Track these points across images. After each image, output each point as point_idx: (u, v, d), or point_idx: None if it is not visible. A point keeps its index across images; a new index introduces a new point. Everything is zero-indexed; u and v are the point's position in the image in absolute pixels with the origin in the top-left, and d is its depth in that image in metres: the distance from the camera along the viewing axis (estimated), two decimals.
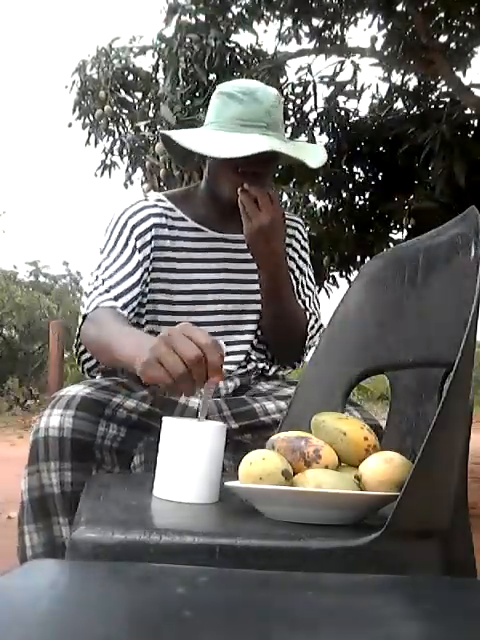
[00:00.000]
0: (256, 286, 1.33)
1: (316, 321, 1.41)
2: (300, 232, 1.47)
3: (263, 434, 1.16)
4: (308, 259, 1.49)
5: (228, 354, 1.31)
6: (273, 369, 1.40)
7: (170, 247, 1.31)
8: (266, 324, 1.36)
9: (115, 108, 4.08)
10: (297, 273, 1.45)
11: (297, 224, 1.46)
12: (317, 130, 3.98)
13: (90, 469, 1.09)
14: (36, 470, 1.07)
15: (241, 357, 1.34)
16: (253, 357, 1.37)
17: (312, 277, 1.50)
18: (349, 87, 3.87)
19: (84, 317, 1.23)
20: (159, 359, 0.84)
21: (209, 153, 1.23)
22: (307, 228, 4.59)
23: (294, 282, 1.41)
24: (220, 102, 1.28)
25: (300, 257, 1.46)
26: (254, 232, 1.22)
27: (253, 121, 1.23)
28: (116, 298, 1.23)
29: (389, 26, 3.87)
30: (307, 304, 1.43)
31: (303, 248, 1.47)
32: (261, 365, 1.37)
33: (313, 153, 1.31)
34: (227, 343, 1.31)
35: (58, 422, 1.06)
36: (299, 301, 1.41)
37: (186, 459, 0.82)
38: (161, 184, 3.71)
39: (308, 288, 1.47)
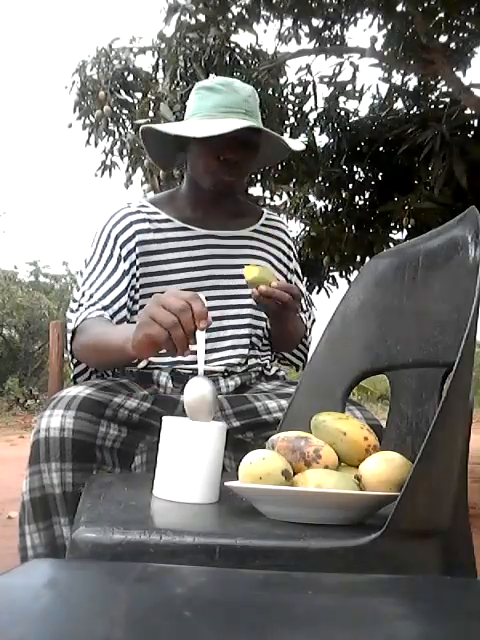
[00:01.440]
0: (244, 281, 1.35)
1: (311, 319, 1.46)
2: (285, 234, 1.47)
3: (264, 432, 1.16)
4: (295, 258, 1.49)
5: (226, 349, 1.32)
6: (274, 369, 1.40)
7: (159, 250, 1.32)
8: (271, 339, 1.42)
9: (115, 108, 4.08)
10: (292, 278, 1.47)
11: (280, 228, 1.46)
12: (317, 130, 3.98)
13: (91, 469, 1.09)
14: (37, 470, 1.07)
15: (240, 351, 1.34)
16: (253, 354, 1.37)
17: (300, 274, 1.51)
18: (349, 87, 3.87)
19: (73, 332, 1.24)
20: (151, 316, 0.91)
21: (191, 134, 1.24)
22: (307, 228, 4.57)
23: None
24: (199, 96, 1.31)
25: (291, 261, 1.47)
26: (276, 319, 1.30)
27: (232, 108, 1.26)
28: (104, 308, 1.25)
29: (389, 26, 3.87)
30: (303, 307, 1.45)
31: (291, 248, 1.48)
32: (262, 363, 1.37)
33: (292, 140, 1.33)
34: (224, 338, 1.32)
35: (59, 423, 1.06)
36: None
37: (186, 459, 0.82)
38: (161, 184, 3.70)
39: (306, 297, 1.49)
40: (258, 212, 1.45)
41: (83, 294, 1.28)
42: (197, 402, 0.88)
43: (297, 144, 1.33)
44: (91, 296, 1.26)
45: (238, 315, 1.35)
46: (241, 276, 1.33)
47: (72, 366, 1.34)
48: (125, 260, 1.29)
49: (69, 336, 1.26)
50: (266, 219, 1.44)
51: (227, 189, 1.30)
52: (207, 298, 1.30)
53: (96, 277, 1.29)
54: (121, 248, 1.30)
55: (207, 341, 1.29)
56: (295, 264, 1.48)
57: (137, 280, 1.31)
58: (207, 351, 1.30)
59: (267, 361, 1.40)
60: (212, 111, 1.26)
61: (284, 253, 1.45)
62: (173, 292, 0.93)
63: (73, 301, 1.30)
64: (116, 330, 1.19)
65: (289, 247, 1.46)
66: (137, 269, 1.31)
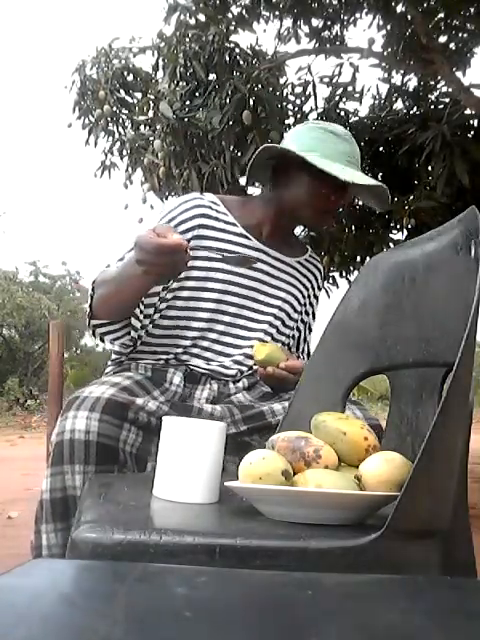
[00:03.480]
0: (280, 303, 1.43)
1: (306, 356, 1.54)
2: (320, 273, 1.56)
3: (269, 435, 1.17)
4: (318, 297, 1.58)
5: (241, 356, 1.35)
6: None
7: (213, 246, 1.35)
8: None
9: (114, 108, 4.08)
10: (306, 330, 1.54)
11: (318, 268, 1.55)
12: None
13: (113, 472, 1.09)
14: (60, 471, 1.07)
15: (249, 362, 1.37)
16: None
17: (312, 327, 1.59)
18: (349, 88, 3.87)
19: (93, 290, 1.25)
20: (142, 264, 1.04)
21: (343, 177, 1.28)
22: (307, 228, 4.58)
23: (302, 334, 1.53)
24: (323, 136, 1.35)
25: (313, 310, 1.55)
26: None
27: (354, 159, 1.36)
28: None
29: (389, 26, 3.87)
30: (303, 354, 1.53)
31: (320, 289, 1.56)
32: None
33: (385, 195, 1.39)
34: (241, 347, 1.35)
35: (84, 425, 1.06)
36: (294, 354, 1.50)
37: (186, 459, 0.82)
38: (161, 184, 3.70)
39: (307, 344, 1.56)
40: (304, 248, 1.55)
41: (117, 260, 1.31)
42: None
43: (386, 205, 1.41)
44: (120, 257, 1.30)
45: (258, 329, 1.40)
46: (273, 297, 1.42)
47: (92, 331, 1.32)
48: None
49: (90, 292, 1.26)
50: (310, 256, 1.54)
51: (320, 226, 1.43)
52: (235, 305, 1.38)
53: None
54: (170, 224, 1.33)
55: (225, 344, 1.36)
56: (317, 306, 1.57)
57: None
58: (223, 354, 1.35)
59: None
60: (340, 157, 1.33)
61: (314, 291, 1.54)
62: (146, 248, 1.01)
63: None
64: (124, 263, 1.22)
65: (319, 288, 1.56)
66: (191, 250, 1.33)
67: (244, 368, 1.37)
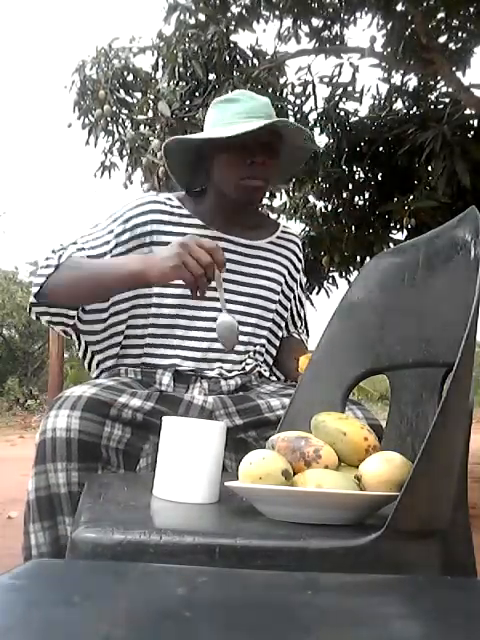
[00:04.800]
0: (255, 291, 1.37)
1: (306, 340, 1.51)
2: (298, 247, 1.50)
3: (266, 432, 1.16)
4: (302, 270, 1.52)
5: (228, 353, 1.32)
6: (268, 373, 1.41)
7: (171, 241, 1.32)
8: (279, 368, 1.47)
9: (114, 108, 4.08)
10: (297, 304, 1.50)
11: (294, 241, 1.49)
12: (317, 130, 3.98)
13: (96, 469, 1.09)
14: (43, 470, 1.08)
15: (239, 357, 1.35)
16: (251, 359, 1.37)
17: (304, 285, 1.55)
18: (349, 88, 3.87)
19: (56, 267, 1.24)
20: (184, 263, 1.09)
21: (219, 135, 1.26)
22: (307, 228, 4.58)
23: (293, 312, 1.49)
24: (218, 109, 1.33)
25: (299, 273, 1.50)
26: None
27: (253, 114, 1.28)
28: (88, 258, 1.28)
29: (389, 26, 3.87)
30: (301, 335, 1.51)
31: (300, 261, 1.51)
32: (260, 368, 1.38)
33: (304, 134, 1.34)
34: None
35: (65, 423, 1.07)
36: (294, 332, 1.49)
37: (186, 459, 0.82)
38: (160, 183, 3.70)
39: (303, 317, 1.53)
40: (275, 225, 1.49)
41: (70, 244, 1.30)
42: (227, 330, 1.18)
43: (315, 144, 1.36)
44: (80, 244, 1.30)
45: (241, 322, 1.35)
46: (248, 285, 1.37)
47: (87, 365, 1.34)
48: (126, 236, 1.31)
49: (45, 271, 1.24)
50: (282, 232, 1.47)
51: (254, 196, 1.32)
52: (210, 299, 1.32)
53: (89, 238, 1.33)
54: (126, 224, 1.32)
55: (208, 350, 1.32)
56: (302, 276, 1.52)
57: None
58: (206, 359, 1.32)
59: (264, 366, 1.41)
60: (234, 118, 1.28)
61: (295, 266, 1.48)
62: (199, 242, 1.10)
63: (52, 251, 1.29)
64: (121, 262, 1.24)
65: (300, 260, 1.50)
66: (144, 250, 1.32)
67: (227, 366, 1.33)
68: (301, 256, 1.50)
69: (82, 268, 1.24)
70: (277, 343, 1.46)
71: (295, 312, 1.50)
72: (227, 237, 1.37)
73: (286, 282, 1.46)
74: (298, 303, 1.51)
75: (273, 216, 3.86)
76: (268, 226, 1.47)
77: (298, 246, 1.50)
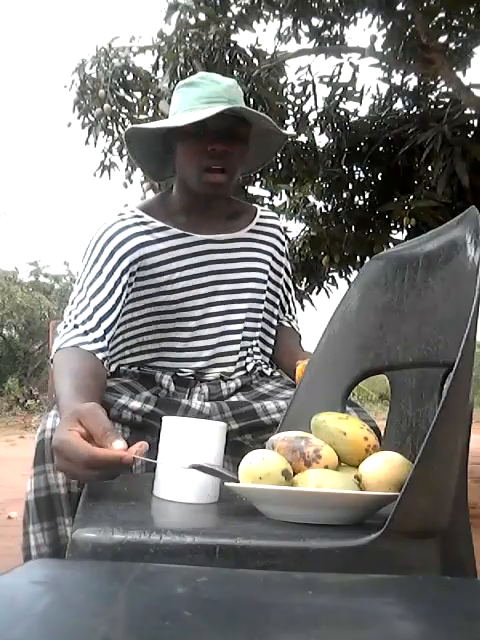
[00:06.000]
0: (246, 285, 1.35)
1: (297, 327, 1.49)
2: (279, 230, 1.45)
3: (262, 435, 1.16)
4: (287, 255, 1.47)
5: (224, 355, 1.33)
6: (270, 370, 1.41)
7: (160, 261, 1.28)
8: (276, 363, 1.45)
9: (114, 107, 4.08)
10: (284, 289, 1.47)
11: (275, 225, 1.44)
12: (317, 130, 3.98)
13: None
14: (43, 470, 1.07)
15: (235, 357, 1.35)
16: (250, 356, 1.37)
17: (290, 270, 1.50)
18: (349, 88, 3.87)
19: (58, 349, 1.19)
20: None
21: (172, 124, 1.21)
22: (307, 228, 4.57)
23: (282, 298, 1.46)
24: (179, 93, 1.28)
25: (283, 257, 1.45)
26: None
27: (214, 98, 1.22)
28: (86, 333, 1.19)
29: (389, 26, 3.87)
30: (294, 321, 1.49)
31: (284, 244, 1.45)
32: (260, 366, 1.38)
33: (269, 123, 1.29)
34: (222, 344, 1.32)
35: None
36: (287, 316, 1.48)
37: (186, 459, 0.82)
38: (160, 183, 3.70)
39: (292, 301, 1.50)
40: (252, 211, 1.42)
41: (70, 313, 1.23)
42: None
43: (288, 131, 1.29)
44: (76, 317, 1.21)
45: (236, 320, 1.35)
46: (238, 281, 1.34)
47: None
48: (125, 273, 1.24)
49: (57, 342, 1.21)
50: (261, 217, 1.42)
51: (217, 189, 1.25)
52: (207, 305, 1.32)
53: (83, 297, 1.23)
54: (120, 261, 1.24)
55: (205, 348, 1.31)
56: (287, 261, 1.47)
57: (134, 291, 1.28)
58: (205, 358, 1.31)
59: (264, 364, 1.40)
60: (194, 103, 1.22)
61: (279, 250, 1.42)
62: (72, 458, 0.83)
63: (63, 319, 1.25)
64: (64, 393, 1.03)
65: (283, 243, 1.45)
66: (137, 280, 1.27)
67: (228, 369, 1.33)
68: (283, 238, 1.45)
69: (58, 372, 1.12)
70: (273, 332, 1.43)
71: (284, 298, 1.46)
72: (206, 237, 1.32)
73: (272, 268, 1.41)
74: (286, 289, 1.47)
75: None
76: (245, 213, 1.41)
77: (279, 229, 1.44)
